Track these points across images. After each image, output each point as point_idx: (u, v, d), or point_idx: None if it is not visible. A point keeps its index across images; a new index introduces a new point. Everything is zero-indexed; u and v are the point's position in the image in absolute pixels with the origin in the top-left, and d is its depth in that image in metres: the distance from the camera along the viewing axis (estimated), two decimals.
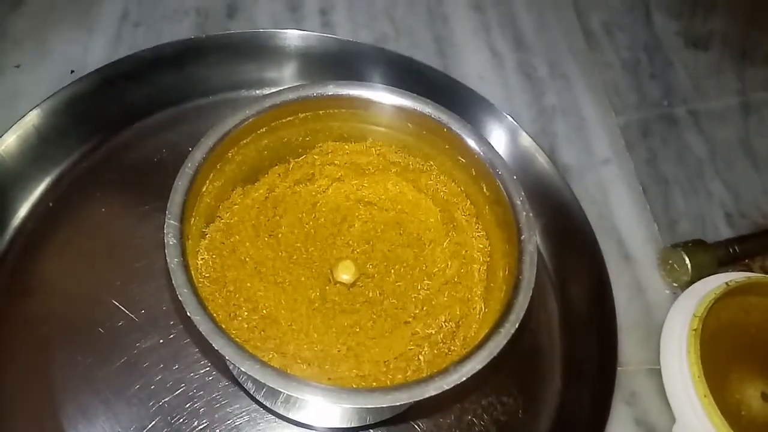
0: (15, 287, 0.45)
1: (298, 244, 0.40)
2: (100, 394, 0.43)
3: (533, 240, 0.36)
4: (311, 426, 0.42)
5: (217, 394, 0.44)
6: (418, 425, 0.44)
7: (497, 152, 0.38)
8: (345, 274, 0.39)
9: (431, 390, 0.32)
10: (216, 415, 0.43)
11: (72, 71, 0.57)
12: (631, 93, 0.65)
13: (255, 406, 0.43)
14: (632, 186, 0.59)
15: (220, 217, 0.39)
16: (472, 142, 0.39)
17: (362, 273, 0.39)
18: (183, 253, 0.33)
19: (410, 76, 0.56)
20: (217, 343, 0.31)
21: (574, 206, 0.50)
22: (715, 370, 0.47)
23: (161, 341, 0.45)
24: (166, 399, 0.43)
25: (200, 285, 0.36)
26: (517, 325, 0.34)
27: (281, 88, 0.39)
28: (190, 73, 0.55)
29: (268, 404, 0.42)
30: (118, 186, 0.51)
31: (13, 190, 0.49)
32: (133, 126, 0.53)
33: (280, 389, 0.30)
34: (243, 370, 0.31)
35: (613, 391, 0.44)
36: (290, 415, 0.41)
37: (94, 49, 0.60)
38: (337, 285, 0.39)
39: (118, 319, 0.45)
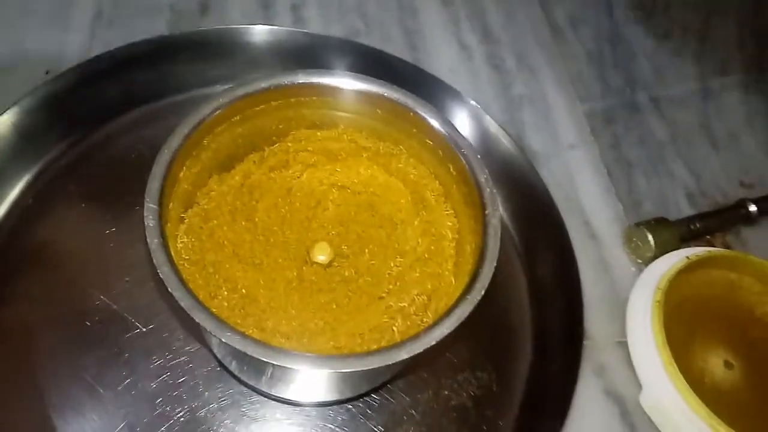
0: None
1: (275, 228, 0.41)
2: (87, 384, 0.44)
3: (497, 214, 0.38)
4: (293, 402, 0.43)
5: (200, 379, 0.45)
6: (397, 400, 0.45)
7: (461, 134, 0.40)
8: (321, 254, 0.40)
9: (403, 354, 0.33)
10: (200, 399, 0.44)
11: (47, 71, 0.57)
12: (596, 82, 0.67)
13: (239, 388, 0.44)
14: (597, 169, 0.61)
15: (197, 203, 0.41)
16: (437, 125, 0.40)
17: (337, 254, 0.41)
18: (162, 235, 0.34)
19: (380, 67, 0.57)
20: (199, 317, 0.32)
21: (539, 186, 0.52)
22: (679, 339, 0.49)
23: (144, 330, 0.46)
24: (151, 386, 0.44)
25: (180, 267, 0.37)
26: (482, 292, 0.35)
27: (253, 77, 0.40)
28: (165, 70, 0.56)
29: (251, 383, 0.43)
30: (96, 182, 0.52)
31: None
32: (110, 123, 0.54)
33: (259, 357, 0.32)
34: (224, 340, 0.32)
35: (580, 362, 0.46)
36: (272, 392, 0.42)
37: (68, 48, 0.60)
38: (314, 265, 0.40)
39: (101, 311, 0.46)
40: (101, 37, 0.61)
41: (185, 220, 0.39)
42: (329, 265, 0.40)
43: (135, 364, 0.45)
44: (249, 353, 0.32)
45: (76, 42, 0.61)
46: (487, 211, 0.38)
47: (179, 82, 0.56)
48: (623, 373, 0.49)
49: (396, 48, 0.65)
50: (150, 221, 0.34)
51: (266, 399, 0.44)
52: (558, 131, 0.63)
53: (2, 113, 0.50)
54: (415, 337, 0.34)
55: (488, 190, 0.38)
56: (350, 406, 0.44)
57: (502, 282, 0.51)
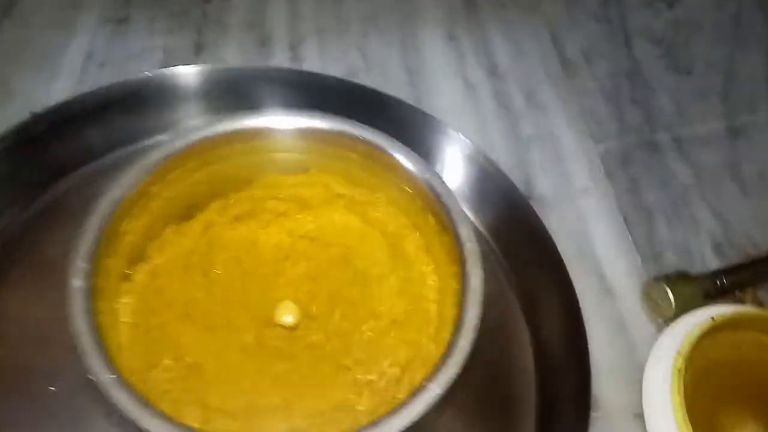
0: None
1: (235, 284, 0.37)
2: None
3: (478, 273, 0.33)
4: None
5: None
6: None
7: (441, 179, 0.35)
8: (286, 315, 0.36)
9: None
10: None
11: (31, 113, 0.54)
12: (611, 120, 0.61)
13: None
14: (613, 216, 0.55)
15: (149, 256, 0.36)
16: (415, 170, 0.36)
17: (305, 314, 0.36)
18: (90, 297, 0.29)
19: (368, 107, 0.52)
20: (117, 397, 0.28)
21: (543, 237, 0.47)
22: (704, 413, 0.43)
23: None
24: None
25: (119, 331, 0.32)
26: (459, 368, 0.30)
27: (213, 120, 0.36)
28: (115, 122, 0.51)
29: None
30: (67, 229, 0.47)
31: None
32: (82, 168, 0.50)
33: None
34: (139, 424, 0.27)
35: None
36: None
37: (56, 90, 0.57)
38: (277, 328, 0.36)
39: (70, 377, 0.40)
40: (90, 80, 0.58)
41: (131, 277, 0.35)
42: (295, 327, 0.36)
43: None
44: None
45: (65, 84, 0.58)
46: (467, 269, 0.33)
47: (132, 132, 0.51)
48: None
49: (396, 86, 0.61)
50: (76, 281, 0.30)
51: None
52: (570, 174, 0.58)
53: None
54: (375, 423, 0.29)
55: (469, 244, 0.33)
56: None
57: (503, 345, 0.45)
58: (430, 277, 0.37)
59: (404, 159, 0.36)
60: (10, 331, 0.41)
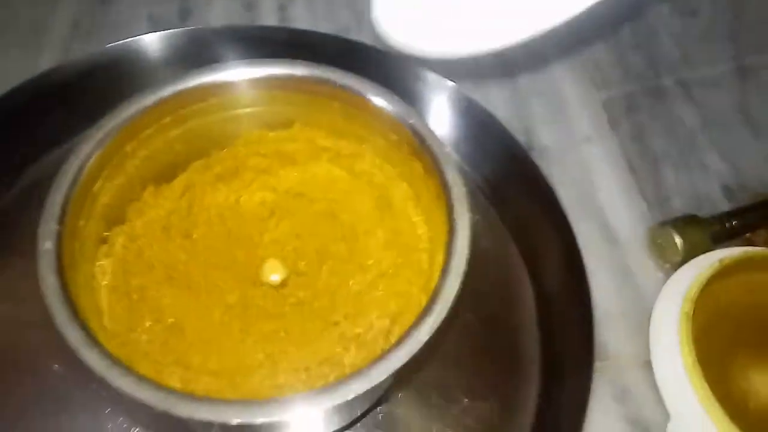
0: None
1: (218, 245, 0.35)
2: None
3: (465, 216, 0.31)
4: None
5: None
6: None
7: (425, 122, 0.33)
8: (272, 274, 0.34)
9: (327, 400, 0.27)
10: None
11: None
12: (614, 67, 0.59)
13: None
14: (617, 164, 0.54)
15: (128, 219, 0.35)
16: (399, 114, 0.34)
17: (293, 272, 0.35)
18: (59, 258, 0.28)
19: (350, 58, 0.50)
20: (88, 357, 0.27)
21: (541, 185, 0.45)
22: (715, 358, 0.41)
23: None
24: None
25: (98, 294, 0.31)
26: (443, 315, 0.29)
27: (186, 73, 0.34)
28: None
29: None
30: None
31: None
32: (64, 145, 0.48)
33: (148, 403, 0.26)
34: (111, 384, 0.26)
35: (590, 388, 0.38)
36: None
37: (44, 64, 0.56)
38: (264, 287, 0.34)
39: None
40: (77, 51, 0.57)
41: (108, 240, 0.34)
42: (282, 285, 0.34)
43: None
44: (139, 399, 0.26)
45: (51, 57, 0.57)
46: (454, 214, 0.31)
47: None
48: (649, 399, 0.42)
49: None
50: (46, 243, 0.28)
51: None
52: (571, 123, 0.56)
53: None
54: (358, 373, 0.27)
55: (456, 188, 0.32)
56: None
57: (505, 297, 0.44)
58: (420, 227, 0.36)
59: (386, 104, 0.34)
60: (6, 313, 0.41)
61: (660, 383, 0.41)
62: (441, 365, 0.40)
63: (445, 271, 0.29)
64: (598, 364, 0.42)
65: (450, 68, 0.55)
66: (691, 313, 0.41)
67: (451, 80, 0.49)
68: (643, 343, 0.44)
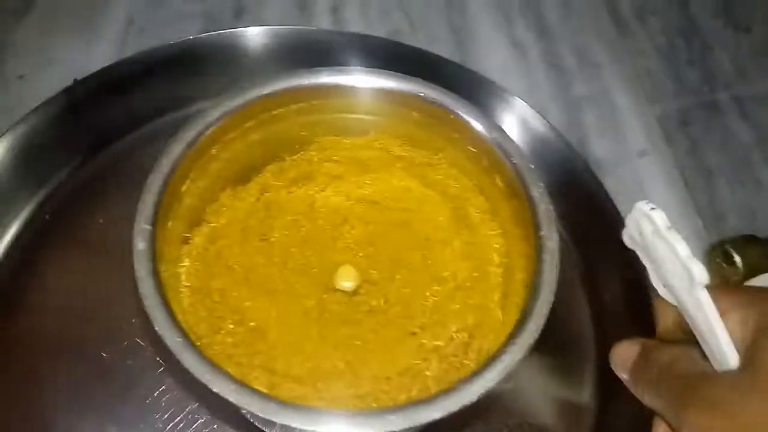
0: (9, 305, 0.42)
1: (294, 249, 0.36)
2: (99, 423, 0.39)
3: (554, 236, 0.32)
4: None
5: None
6: None
7: (510, 138, 0.34)
8: (346, 280, 0.35)
9: (435, 413, 0.28)
10: None
11: (75, 80, 0.53)
12: (668, 80, 0.60)
13: None
14: (672, 179, 0.54)
15: (206, 220, 0.36)
16: (481, 129, 0.35)
17: (365, 279, 0.35)
18: (153, 259, 0.29)
19: (416, 68, 0.51)
20: (187, 361, 0.27)
21: (602, 199, 0.46)
22: None
23: (166, 367, 0.40)
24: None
25: (181, 295, 0.32)
26: (536, 335, 0.29)
27: (271, 77, 0.35)
28: (187, 78, 0.50)
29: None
30: (115, 196, 0.47)
31: (4, 204, 0.45)
32: (130, 135, 0.49)
33: (256, 412, 0.27)
34: (215, 390, 0.27)
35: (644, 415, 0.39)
36: None
37: (98, 57, 0.57)
38: (337, 293, 0.35)
39: (120, 342, 0.41)
40: (132, 46, 0.58)
41: (189, 241, 0.35)
42: (355, 292, 0.35)
43: (156, 406, 0.40)
44: (245, 407, 0.27)
45: (106, 51, 0.58)
46: (542, 232, 0.32)
47: (203, 89, 0.51)
48: None
49: (443, 48, 0.60)
50: (140, 243, 0.29)
51: None
52: (625, 136, 0.57)
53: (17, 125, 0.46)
54: (451, 390, 0.28)
55: (543, 206, 0.32)
56: None
57: (561, 313, 0.44)
58: (496, 240, 0.36)
59: (469, 117, 0.35)
60: (60, 300, 0.42)
61: None
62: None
63: (535, 290, 0.30)
64: None
65: (504, 76, 0.56)
66: None
67: (517, 96, 0.50)
68: None
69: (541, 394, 0.42)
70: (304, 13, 0.62)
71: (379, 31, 0.61)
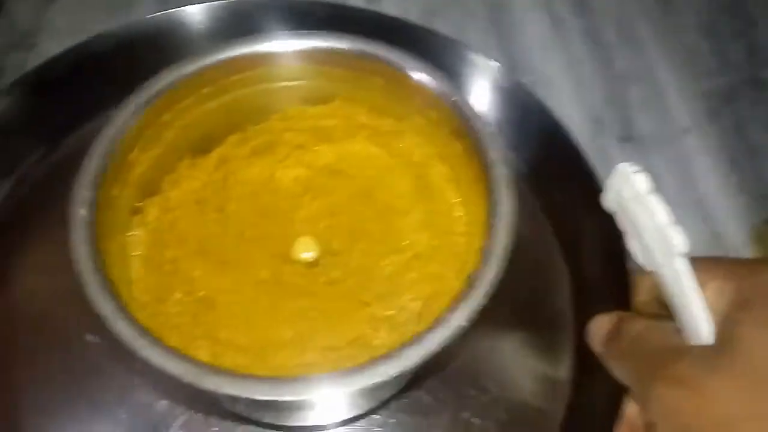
0: None
1: (252, 220, 0.37)
2: (78, 409, 0.39)
3: (508, 201, 0.32)
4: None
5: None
6: (408, 426, 0.38)
7: (469, 102, 0.34)
8: (304, 251, 0.36)
9: (373, 378, 0.28)
10: None
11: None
12: (712, 56, 0.58)
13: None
14: (718, 157, 0.53)
15: (163, 190, 0.37)
16: (442, 92, 0.35)
17: (326, 250, 0.36)
18: (93, 227, 0.30)
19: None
20: (116, 326, 0.28)
21: (582, 166, 0.44)
22: None
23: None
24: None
25: (126, 264, 0.33)
26: (481, 301, 0.29)
27: (227, 43, 0.35)
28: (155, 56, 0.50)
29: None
30: None
31: None
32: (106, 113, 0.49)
33: (177, 377, 0.27)
34: (140, 354, 0.28)
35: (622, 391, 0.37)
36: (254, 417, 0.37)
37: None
38: (296, 264, 0.36)
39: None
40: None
41: (143, 210, 0.36)
42: (314, 264, 0.36)
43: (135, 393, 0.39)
44: (166, 371, 0.27)
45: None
46: (494, 197, 0.31)
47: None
48: None
49: (478, 23, 0.60)
50: (80, 210, 0.30)
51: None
52: (669, 113, 0.56)
53: None
54: (390, 355, 0.28)
55: (498, 169, 0.32)
56: (348, 430, 0.38)
57: (541, 286, 0.43)
58: (458, 209, 0.36)
59: (429, 80, 0.35)
60: (42, 282, 0.42)
61: None
62: (472, 353, 0.40)
63: (484, 255, 0.30)
64: None
65: (543, 53, 0.54)
66: None
67: (495, 60, 0.48)
68: None
69: (519, 368, 0.41)
70: None
71: (414, 7, 0.61)
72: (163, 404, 0.38)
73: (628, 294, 0.38)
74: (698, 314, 0.29)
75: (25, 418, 0.38)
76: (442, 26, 0.55)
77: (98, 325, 0.36)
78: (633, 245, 0.33)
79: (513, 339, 0.41)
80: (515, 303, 0.42)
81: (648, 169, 0.45)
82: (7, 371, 0.40)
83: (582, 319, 0.40)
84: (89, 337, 0.40)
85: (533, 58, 0.57)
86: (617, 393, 0.35)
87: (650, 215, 0.31)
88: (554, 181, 0.46)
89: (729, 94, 0.55)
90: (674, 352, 0.30)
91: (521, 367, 0.41)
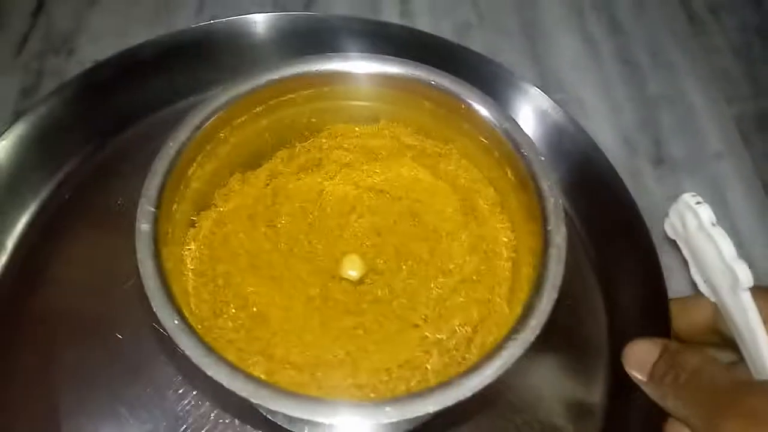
0: (27, 284, 0.44)
1: (300, 236, 0.38)
2: (113, 407, 0.40)
3: (561, 231, 0.32)
4: None
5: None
6: None
7: (521, 129, 0.35)
8: (351, 269, 0.36)
9: (429, 406, 0.28)
10: None
11: (96, 61, 0.55)
12: (744, 80, 0.59)
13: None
14: (750, 182, 0.54)
15: (214, 205, 0.38)
16: (492, 119, 0.36)
17: (371, 269, 0.37)
18: (156, 241, 0.31)
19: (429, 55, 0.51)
20: (183, 343, 0.29)
21: (621, 195, 0.45)
22: None
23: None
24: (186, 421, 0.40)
25: (185, 278, 0.34)
26: (538, 332, 0.30)
27: (280, 63, 0.36)
28: (205, 63, 0.52)
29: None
30: (133, 178, 0.47)
31: (24, 184, 0.47)
32: (148, 118, 0.51)
33: (246, 396, 0.28)
34: (209, 374, 0.28)
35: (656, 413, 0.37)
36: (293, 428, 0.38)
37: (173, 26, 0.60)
38: (343, 282, 0.36)
39: (137, 325, 0.42)
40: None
41: (196, 224, 0.37)
42: (360, 282, 0.36)
43: (170, 394, 0.41)
44: (234, 390, 0.28)
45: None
46: (549, 227, 0.32)
47: (200, 80, 0.51)
48: None
49: (511, 42, 0.61)
50: (143, 225, 0.31)
51: None
52: (701, 137, 0.57)
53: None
54: (448, 384, 0.29)
55: (552, 199, 0.33)
56: None
57: (576, 311, 0.44)
58: (505, 234, 0.37)
59: (480, 107, 0.36)
60: (77, 278, 0.44)
61: None
62: (507, 377, 0.40)
63: (539, 285, 0.31)
64: None
65: (576, 73, 0.55)
66: None
67: (537, 87, 0.49)
68: None
69: (552, 392, 0.42)
70: (373, 4, 0.63)
71: (446, 23, 0.63)
72: (197, 406, 0.40)
73: (665, 322, 0.39)
74: (764, 348, 0.30)
75: (63, 419, 0.39)
76: (474, 44, 0.56)
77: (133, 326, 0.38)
78: (695, 274, 0.34)
79: (548, 364, 0.42)
80: (551, 328, 0.42)
81: (683, 191, 0.47)
82: (44, 370, 0.41)
83: (616, 345, 0.41)
84: (120, 337, 0.42)
85: (566, 77, 0.59)
86: (650, 420, 0.36)
87: (714, 247, 0.32)
88: (590, 204, 0.47)
89: (762, 119, 0.56)
90: (741, 387, 0.30)
91: (555, 392, 0.42)
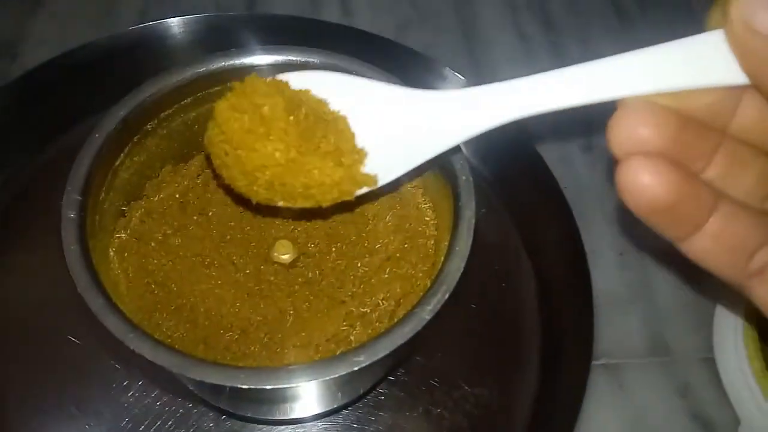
0: None
1: (232, 223, 0.39)
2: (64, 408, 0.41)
3: (471, 206, 0.34)
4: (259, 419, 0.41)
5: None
6: (380, 421, 0.41)
7: None
8: (283, 253, 0.37)
9: (332, 370, 0.29)
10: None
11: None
12: None
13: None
14: None
15: (146, 195, 0.39)
16: None
17: (302, 252, 0.38)
18: (82, 228, 0.32)
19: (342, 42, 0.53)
20: (109, 321, 0.30)
21: (552, 187, 0.47)
22: None
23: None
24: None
25: (112, 265, 0.35)
26: (446, 295, 0.31)
27: (208, 56, 0.37)
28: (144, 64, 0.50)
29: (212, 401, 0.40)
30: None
31: None
32: (92, 118, 0.50)
33: (169, 367, 0.29)
34: (132, 348, 0.29)
35: (586, 380, 0.40)
36: (236, 410, 0.40)
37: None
38: (275, 266, 0.38)
39: (89, 328, 0.42)
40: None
41: (126, 214, 0.38)
42: (292, 265, 0.37)
43: (122, 393, 0.42)
44: (159, 363, 0.29)
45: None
46: (460, 203, 0.34)
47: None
48: (713, 395, 0.44)
49: (449, 39, 0.63)
50: (69, 212, 0.32)
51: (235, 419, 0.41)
52: None
53: None
54: (358, 349, 0.30)
55: (463, 177, 0.34)
56: (325, 424, 0.41)
57: (508, 288, 0.46)
58: (427, 214, 0.38)
59: None
60: (28, 287, 0.44)
61: (727, 387, 0.42)
62: (443, 352, 0.43)
63: (449, 254, 0.32)
64: (659, 359, 0.45)
65: (511, 69, 0.58)
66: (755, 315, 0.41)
67: (461, 75, 0.51)
68: (706, 339, 0.45)
69: (487, 365, 0.44)
70: (314, 4, 0.64)
71: (387, 22, 0.64)
72: (148, 401, 0.41)
73: (588, 292, 0.42)
74: None
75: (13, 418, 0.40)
76: (413, 42, 0.58)
77: (85, 327, 0.39)
78: None
79: (482, 337, 0.44)
80: (484, 303, 0.45)
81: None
82: None
83: (546, 319, 0.43)
84: (73, 338, 0.42)
85: (501, 71, 0.60)
86: (582, 391, 0.39)
87: None
88: (519, 188, 0.49)
89: None
90: None
91: (489, 365, 0.43)
